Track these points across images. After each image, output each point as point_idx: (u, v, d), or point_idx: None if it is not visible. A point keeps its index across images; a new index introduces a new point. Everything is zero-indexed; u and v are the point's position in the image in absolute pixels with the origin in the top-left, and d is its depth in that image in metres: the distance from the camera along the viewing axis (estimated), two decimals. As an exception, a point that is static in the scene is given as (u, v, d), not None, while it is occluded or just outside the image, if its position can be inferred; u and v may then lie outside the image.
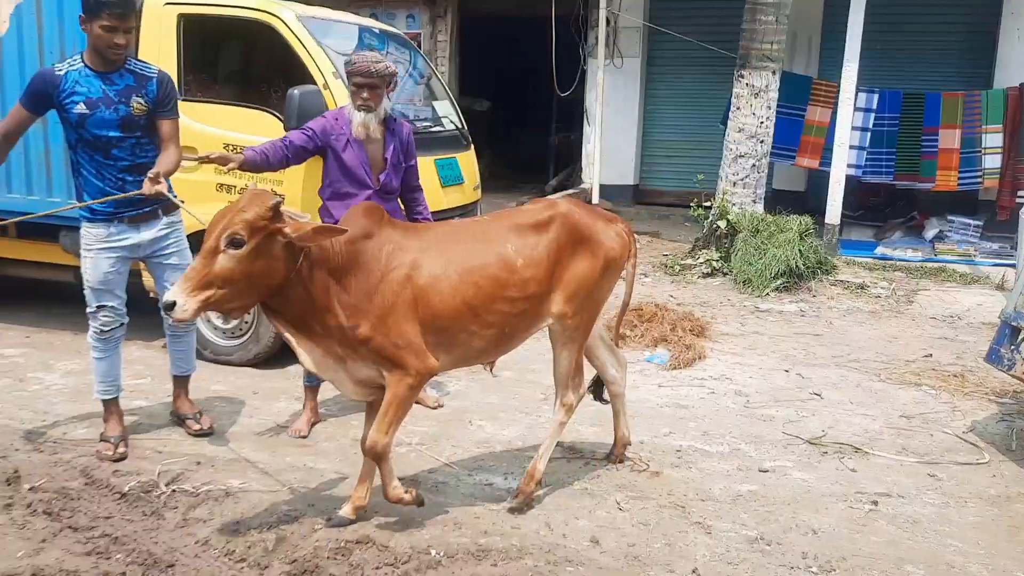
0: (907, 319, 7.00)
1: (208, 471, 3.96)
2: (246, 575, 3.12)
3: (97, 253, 4.04)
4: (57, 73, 3.91)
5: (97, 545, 3.27)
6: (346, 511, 3.48)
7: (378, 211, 3.47)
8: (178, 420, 4.48)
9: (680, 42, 10.43)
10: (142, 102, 3.98)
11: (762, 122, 8.34)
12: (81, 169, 4.01)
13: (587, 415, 4.77)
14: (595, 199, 10.22)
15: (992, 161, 9.13)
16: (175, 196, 3.98)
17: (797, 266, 7.79)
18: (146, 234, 4.11)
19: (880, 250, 9.03)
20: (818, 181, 10.13)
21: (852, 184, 9.52)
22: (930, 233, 9.38)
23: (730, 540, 3.49)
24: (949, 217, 9.45)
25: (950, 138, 9.28)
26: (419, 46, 11.58)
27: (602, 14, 9.84)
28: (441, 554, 3.28)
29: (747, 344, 6.25)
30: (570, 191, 11.03)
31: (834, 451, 4.39)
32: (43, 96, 3.92)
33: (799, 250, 7.90)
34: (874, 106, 9.32)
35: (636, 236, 10.24)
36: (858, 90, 8.93)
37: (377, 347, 3.24)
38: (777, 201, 10.47)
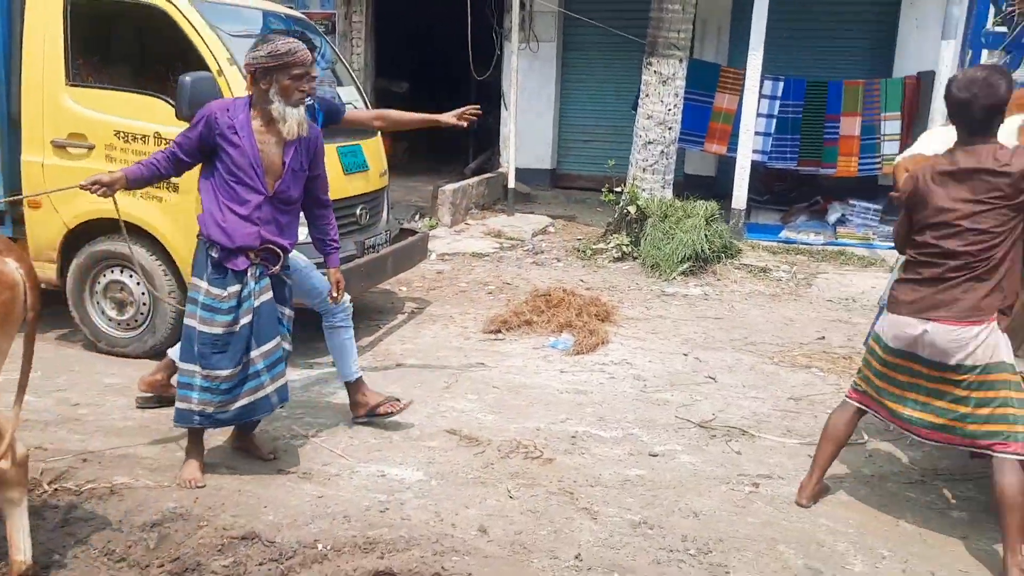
0: (805, 302, 7.25)
1: (94, 468, 3.89)
2: (125, 575, 3.09)
3: None
4: None
5: (-30, 548, 3.20)
6: None
7: None
8: (371, 414, 4.46)
9: (595, 27, 10.53)
10: None
11: (670, 109, 8.48)
12: None
13: (488, 403, 4.85)
14: (511, 183, 10.27)
15: (890, 147, 9.46)
16: None
17: (703, 250, 7.98)
18: None
19: (784, 234, 9.30)
20: (727, 166, 10.35)
21: (758, 170, 9.78)
22: (832, 217, 9.70)
23: (614, 525, 3.59)
24: (851, 201, 9.78)
25: (851, 125, 9.60)
26: (333, 27, 11.42)
27: (515, -1, 9.85)
28: (328, 548, 3.30)
29: (650, 328, 6.39)
30: (487, 175, 11.07)
31: (722, 434, 4.54)
32: None
33: (705, 235, 8.09)
34: (779, 94, 9.57)
35: (552, 220, 10.38)
36: (764, 78, 9.14)
37: None
38: (688, 186, 10.69)
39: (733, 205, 8.99)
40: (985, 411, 3.36)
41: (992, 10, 4.41)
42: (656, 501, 3.81)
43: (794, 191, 10.68)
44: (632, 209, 8.44)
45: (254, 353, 3.75)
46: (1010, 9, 4.38)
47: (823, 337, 6.28)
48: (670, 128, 8.56)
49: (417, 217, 9.60)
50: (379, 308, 6.71)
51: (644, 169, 8.64)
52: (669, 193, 8.74)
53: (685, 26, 8.34)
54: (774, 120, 9.65)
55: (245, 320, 3.72)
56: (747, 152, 8.96)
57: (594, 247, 8.62)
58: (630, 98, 9.94)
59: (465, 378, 5.22)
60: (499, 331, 6.09)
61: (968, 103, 3.31)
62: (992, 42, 4.42)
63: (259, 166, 3.67)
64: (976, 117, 3.33)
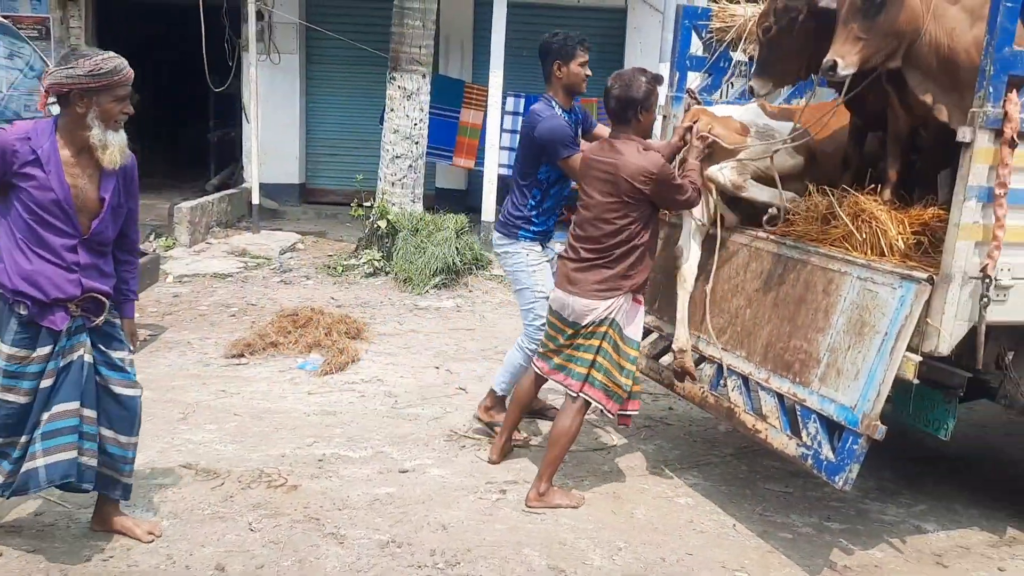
0: (550, 309, 7.54)
1: None
2: None
3: (546, 265, 4.55)
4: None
5: None
6: None
7: None
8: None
9: (340, 40, 10.40)
10: None
11: (416, 124, 8.53)
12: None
13: (229, 432, 4.59)
14: (256, 198, 9.86)
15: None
16: None
17: (454, 263, 8.10)
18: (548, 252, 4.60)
19: (530, 244, 9.63)
20: (477, 180, 10.58)
21: (506, 183, 10.06)
22: (575, 227, 10.19)
23: (362, 547, 3.50)
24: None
25: (588, 140, 10.14)
26: (48, 32, 10.43)
27: (251, 8, 9.49)
28: (36, 610, 2.95)
29: (403, 343, 6.36)
30: (231, 190, 10.57)
31: (472, 444, 4.60)
32: None
33: (456, 248, 8.22)
34: (521, 110, 9.91)
35: (301, 236, 10.06)
36: (506, 94, 9.46)
37: None
38: (440, 199, 10.84)
39: (483, 217, 9.21)
40: (579, 355, 3.90)
41: (694, 36, 4.82)
42: (405, 518, 3.77)
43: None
44: (383, 224, 8.39)
45: (42, 416, 3.16)
46: (708, 35, 4.81)
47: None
48: (417, 142, 8.61)
49: (152, 237, 8.95)
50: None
51: (393, 183, 8.63)
52: (420, 207, 8.79)
53: (427, 42, 8.43)
54: (518, 135, 9.98)
55: (47, 383, 3.16)
56: (493, 166, 9.23)
57: (345, 263, 8.48)
58: (377, 112, 9.89)
59: (204, 407, 4.90)
60: (242, 355, 5.79)
61: (607, 92, 3.84)
62: (695, 65, 4.82)
63: (70, 204, 3.09)
64: (611, 106, 3.85)
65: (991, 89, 3.12)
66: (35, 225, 3.08)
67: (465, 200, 11.20)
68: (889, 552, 3.79)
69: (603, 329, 3.84)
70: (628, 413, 4.02)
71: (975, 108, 3.16)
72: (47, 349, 3.14)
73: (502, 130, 9.50)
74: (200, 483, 3.99)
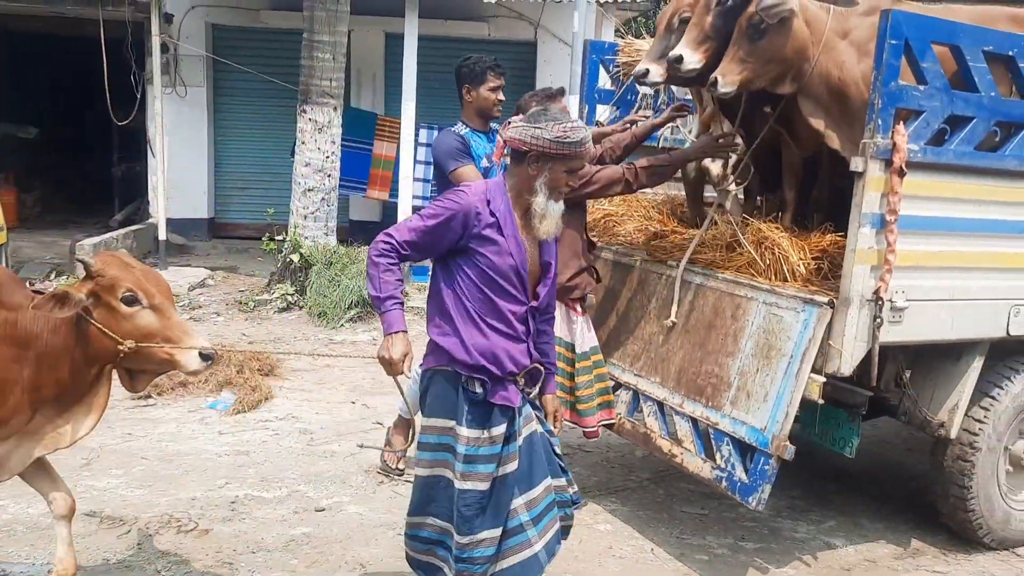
0: (468, 340, 7.53)
1: None
2: None
3: None
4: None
5: None
6: None
7: None
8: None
9: (248, 72, 10.27)
10: None
11: (328, 156, 8.46)
12: None
13: (136, 476, 4.42)
14: (163, 234, 9.59)
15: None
16: None
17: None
18: None
19: (448, 275, 9.64)
20: (392, 211, 10.54)
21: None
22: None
23: (278, 591, 3.41)
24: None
25: (501, 171, 10.25)
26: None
27: (155, 41, 9.30)
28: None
29: (317, 379, 6.26)
30: (136, 226, 10.26)
31: (389, 480, 4.53)
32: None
33: (371, 280, 8.15)
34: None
35: (211, 272, 9.85)
36: (419, 126, 9.49)
37: None
38: (355, 231, 10.74)
39: (398, 249, 9.15)
40: None
41: (602, 70, 4.94)
42: (323, 558, 3.69)
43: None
44: (295, 257, 8.26)
45: (517, 503, 2.91)
46: (616, 69, 4.94)
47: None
48: (329, 175, 8.53)
49: (53, 276, 8.60)
50: None
51: (305, 216, 8.51)
52: (333, 240, 8.69)
53: (338, 75, 8.39)
54: (431, 167, 10.00)
55: (511, 467, 2.89)
56: (408, 197, 9.23)
57: (257, 298, 8.30)
58: (288, 144, 9.77)
59: (109, 452, 4.71)
60: (149, 396, 5.59)
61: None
62: (604, 98, 4.94)
63: (525, 269, 2.87)
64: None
65: (880, 121, 3.29)
66: (490, 294, 2.82)
67: (379, 232, 11.11)
68: (802, 569, 3.89)
69: None
70: (594, 427, 4.03)
71: (866, 139, 3.32)
72: (501, 429, 2.85)
73: (416, 161, 9.52)
74: (105, 531, 3.83)
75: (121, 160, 11.95)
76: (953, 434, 3.85)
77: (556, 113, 2.88)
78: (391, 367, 2.74)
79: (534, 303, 2.92)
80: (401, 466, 4.47)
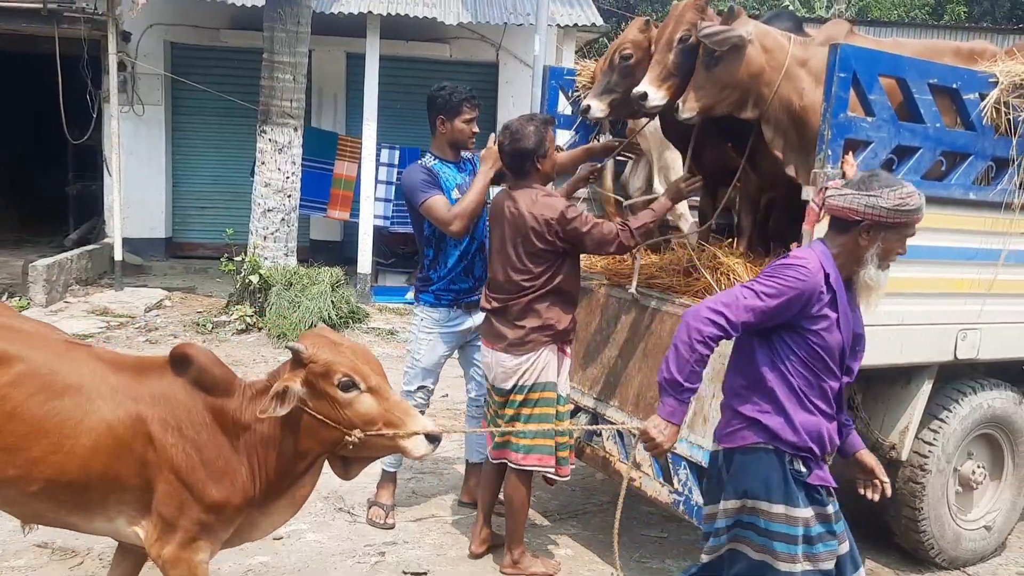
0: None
1: None
2: None
3: (437, 336, 4.26)
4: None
5: None
6: None
7: None
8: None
9: (207, 92, 10.20)
10: None
11: (288, 176, 8.43)
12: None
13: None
14: (119, 254, 9.45)
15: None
16: None
17: (330, 317, 7.99)
18: (476, 319, 4.20)
19: (410, 295, 9.62)
20: (352, 231, 10.52)
21: (383, 233, 10.07)
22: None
23: (234, 622, 3.37)
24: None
25: (463, 191, 10.27)
26: None
27: (112, 59, 9.21)
28: None
29: (276, 402, 6.19)
30: (91, 246, 10.10)
31: (347, 506, 4.50)
32: None
33: (332, 301, 8.13)
34: (396, 161, 9.95)
35: (169, 293, 9.70)
36: (380, 146, 9.50)
37: None
38: (315, 251, 10.70)
39: (359, 269, 9.15)
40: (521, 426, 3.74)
41: (561, 95, 4.98)
42: (280, 587, 3.65)
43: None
44: (254, 278, 8.20)
45: None
46: (575, 94, 4.98)
47: (447, 395, 6.54)
48: (289, 196, 8.50)
49: (4, 298, 8.43)
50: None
51: (265, 237, 8.46)
52: (293, 260, 8.64)
53: (298, 95, 8.38)
54: (393, 186, 10.01)
55: (844, 548, 2.79)
56: (369, 217, 9.22)
57: (216, 320, 8.22)
58: (247, 164, 9.72)
59: (61, 480, 4.61)
60: (104, 421, 5.49)
61: (501, 148, 3.78)
62: (564, 123, 4.98)
63: (849, 345, 2.72)
64: (506, 163, 3.80)
65: (830, 151, 3.36)
66: (817, 371, 2.67)
67: (341, 252, 11.10)
68: (759, 591, 3.92)
69: (535, 396, 3.72)
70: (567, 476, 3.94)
71: (816, 169, 3.40)
72: (809, 511, 2.71)
73: (377, 181, 9.53)
74: (57, 563, 3.76)
75: (76, 179, 11.78)
76: (904, 456, 3.92)
77: (887, 178, 2.67)
78: (655, 449, 2.67)
79: (847, 379, 2.77)
80: (390, 521, 4.31)
